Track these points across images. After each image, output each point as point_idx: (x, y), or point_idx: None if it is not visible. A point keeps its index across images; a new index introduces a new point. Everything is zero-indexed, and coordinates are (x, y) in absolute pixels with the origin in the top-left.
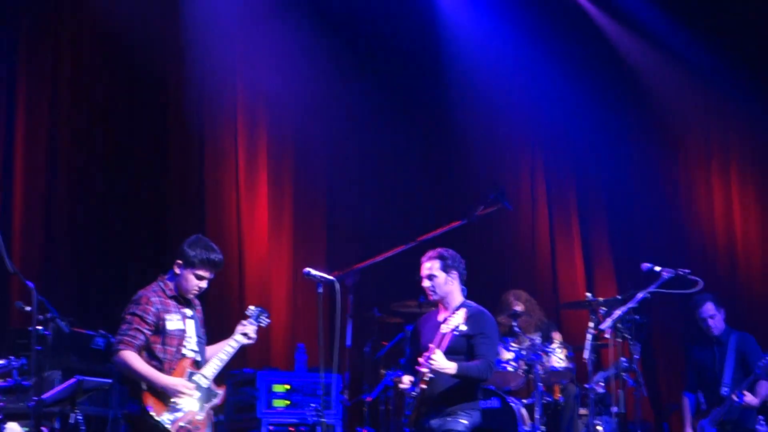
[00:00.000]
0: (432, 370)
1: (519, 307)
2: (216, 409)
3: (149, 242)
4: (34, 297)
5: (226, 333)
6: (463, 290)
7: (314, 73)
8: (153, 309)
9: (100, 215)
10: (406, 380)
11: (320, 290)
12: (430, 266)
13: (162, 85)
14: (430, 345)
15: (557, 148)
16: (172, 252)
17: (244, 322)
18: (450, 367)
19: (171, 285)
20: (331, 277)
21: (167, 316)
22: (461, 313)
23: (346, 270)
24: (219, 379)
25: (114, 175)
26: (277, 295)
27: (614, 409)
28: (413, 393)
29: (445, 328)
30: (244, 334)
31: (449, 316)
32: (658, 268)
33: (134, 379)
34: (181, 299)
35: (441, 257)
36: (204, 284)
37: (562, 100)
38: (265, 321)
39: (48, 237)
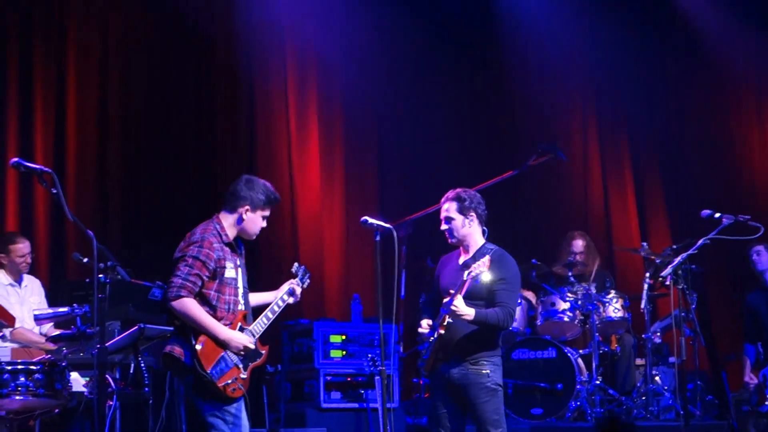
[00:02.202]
0: (452, 315)
1: (582, 242)
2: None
3: (200, 198)
4: (95, 245)
5: (278, 285)
6: (483, 232)
7: (365, 28)
8: (215, 255)
9: (151, 171)
10: (425, 324)
11: (377, 239)
12: (447, 208)
13: (211, 42)
14: (450, 291)
15: (609, 98)
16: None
17: (293, 281)
18: (468, 313)
19: (228, 230)
20: (389, 226)
21: (226, 264)
22: (485, 260)
23: (398, 221)
24: (267, 332)
25: (163, 132)
26: (330, 246)
27: (672, 359)
28: (431, 338)
29: (467, 275)
30: (291, 294)
31: (469, 260)
32: (718, 215)
33: (191, 326)
34: (234, 246)
35: (458, 199)
36: (265, 224)
37: (614, 51)
38: (307, 282)
39: (100, 191)
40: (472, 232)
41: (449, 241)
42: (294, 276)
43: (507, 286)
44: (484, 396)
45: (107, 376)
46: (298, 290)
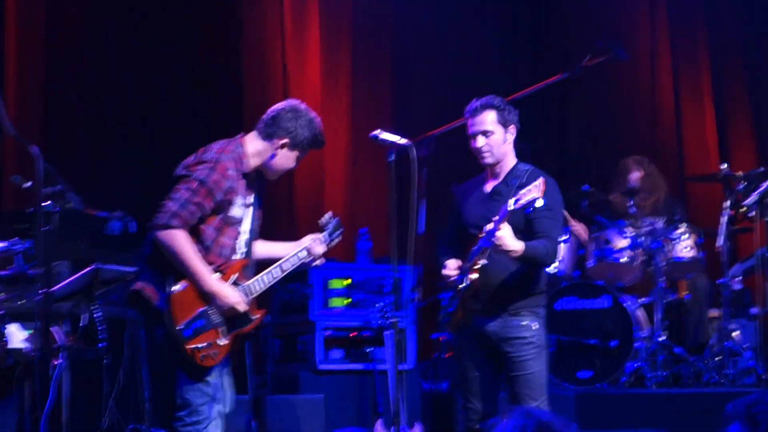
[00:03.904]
0: (495, 250)
1: (639, 173)
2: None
3: (175, 103)
4: (40, 165)
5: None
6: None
7: None
8: (226, 184)
9: (115, 70)
10: (452, 265)
11: (391, 158)
12: (483, 119)
13: None
14: (494, 218)
15: None
16: (204, 118)
17: (317, 236)
18: (517, 247)
19: (249, 159)
20: (406, 142)
21: (236, 199)
22: (540, 185)
23: (417, 137)
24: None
25: (132, 23)
26: (332, 167)
27: (754, 309)
28: (460, 285)
29: (513, 203)
30: (309, 252)
31: (499, 185)
32: None
33: (175, 265)
34: (252, 179)
35: (497, 107)
36: (295, 166)
37: None
38: (337, 239)
39: (49, 95)
40: (509, 149)
41: (485, 161)
42: (321, 229)
43: (550, 213)
44: (528, 353)
45: (53, 328)
46: (321, 249)
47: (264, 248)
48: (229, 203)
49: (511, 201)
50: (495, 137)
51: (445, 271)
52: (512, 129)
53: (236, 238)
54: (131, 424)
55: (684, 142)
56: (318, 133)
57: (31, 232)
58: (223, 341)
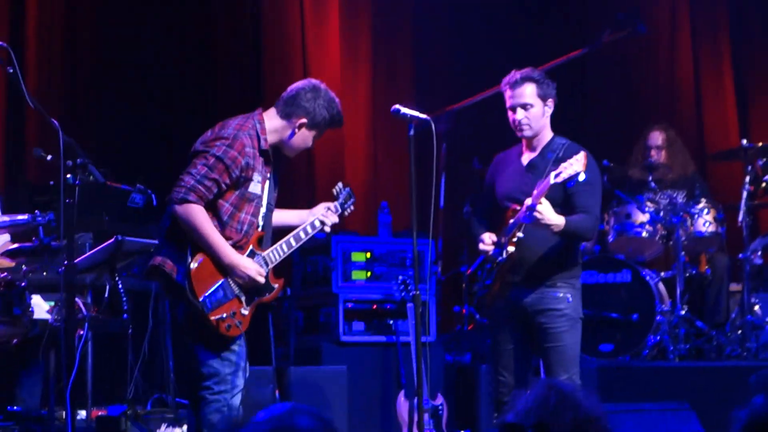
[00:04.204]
0: (536, 224)
1: (660, 134)
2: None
3: (195, 82)
4: (61, 138)
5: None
6: None
7: None
8: (243, 162)
9: (133, 47)
10: (488, 239)
11: (411, 133)
12: (523, 92)
13: None
14: (535, 191)
15: None
16: (222, 97)
17: (330, 205)
18: (558, 221)
19: (267, 135)
20: (426, 117)
21: (254, 175)
22: (581, 158)
23: (437, 112)
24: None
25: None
26: (352, 142)
27: None
28: (498, 258)
29: (554, 176)
30: (323, 222)
31: (536, 158)
32: None
33: (193, 238)
34: (269, 156)
35: (536, 80)
36: (312, 145)
37: None
38: (350, 208)
39: (70, 70)
40: (547, 122)
41: (523, 134)
42: (334, 198)
43: (590, 188)
44: (563, 325)
45: (77, 299)
46: (333, 219)
47: (279, 216)
48: (247, 179)
49: (552, 174)
50: (534, 110)
51: (481, 246)
52: (551, 102)
53: (254, 215)
54: (156, 394)
55: (704, 117)
56: (336, 113)
57: (53, 205)
58: (245, 310)
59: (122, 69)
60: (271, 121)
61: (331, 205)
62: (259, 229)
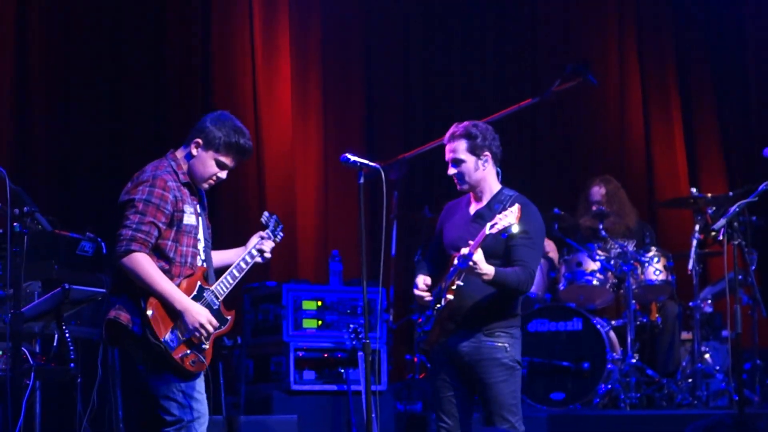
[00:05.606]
0: (469, 272)
1: (601, 189)
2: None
3: (146, 126)
4: (8, 185)
5: (241, 241)
6: (497, 174)
7: None
8: (171, 196)
9: (84, 92)
10: (422, 284)
11: (361, 181)
12: (455, 148)
13: None
14: (470, 242)
15: (652, 8)
16: (173, 139)
17: (262, 233)
18: (488, 271)
19: (185, 168)
20: (376, 165)
21: (185, 207)
22: (514, 210)
23: (389, 160)
24: (227, 298)
25: (101, 45)
26: (303, 191)
27: (725, 332)
28: (436, 306)
29: (490, 227)
30: (260, 251)
31: (483, 209)
32: None
33: (143, 287)
34: (194, 188)
35: (468, 136)
36: (223, 174)
37: None
38: (280, 235)
39: (18, 116)
40: (486, 175)
41: (459, 187)
42: (264, 227)
43: (529, 242)
44: (499, 374)
45: (23, 348)
46: (269, 245)
47: (218, 256)
48: (180, 213)
49: (488, 225)
50: (466, 165)
51: (416, 292)
52: (486, 156)
53: (194, 246)
54: None
55: (654, 166)
56: (233, 137)
57: (1, 253)
58: (205, 345)
59: (71, 120)
60: (180, 153)
61: (263, 233)
62: (202, 263)
